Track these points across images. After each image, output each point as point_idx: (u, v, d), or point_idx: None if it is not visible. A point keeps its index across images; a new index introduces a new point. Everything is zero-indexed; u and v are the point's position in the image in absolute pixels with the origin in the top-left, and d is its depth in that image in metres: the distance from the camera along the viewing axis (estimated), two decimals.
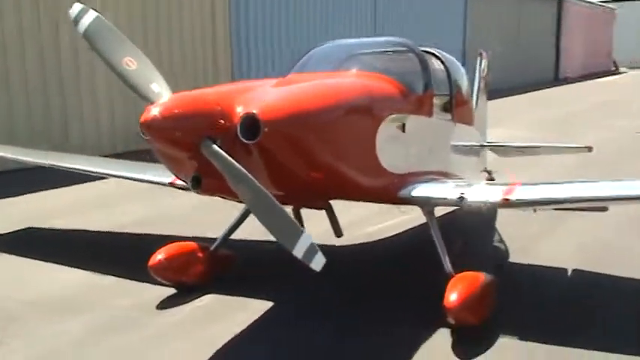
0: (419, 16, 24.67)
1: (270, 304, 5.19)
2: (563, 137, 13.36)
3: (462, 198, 4.71)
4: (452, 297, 4.29)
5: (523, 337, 4.44)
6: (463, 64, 7.00)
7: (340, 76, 4.97)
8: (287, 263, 6.13)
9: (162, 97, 3.91)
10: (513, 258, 6.18)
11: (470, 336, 4.43)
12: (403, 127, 4.99)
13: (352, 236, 6.52)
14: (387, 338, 4.59)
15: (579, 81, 37.92)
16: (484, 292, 4.47)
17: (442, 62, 6.04)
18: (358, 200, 5.12)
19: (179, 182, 5.78)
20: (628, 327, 4.68)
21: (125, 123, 12.85)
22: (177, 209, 8.40)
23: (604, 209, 5.20)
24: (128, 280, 5.84)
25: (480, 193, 4.78)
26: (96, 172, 6.72)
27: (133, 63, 4.10)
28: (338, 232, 5.24)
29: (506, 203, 4.61)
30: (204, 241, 5.77)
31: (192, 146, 3.81)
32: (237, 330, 4.73)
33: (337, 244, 5.90)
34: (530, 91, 29.06)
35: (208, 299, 5.36)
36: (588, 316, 4.86)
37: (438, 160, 5.74)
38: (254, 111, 3.87)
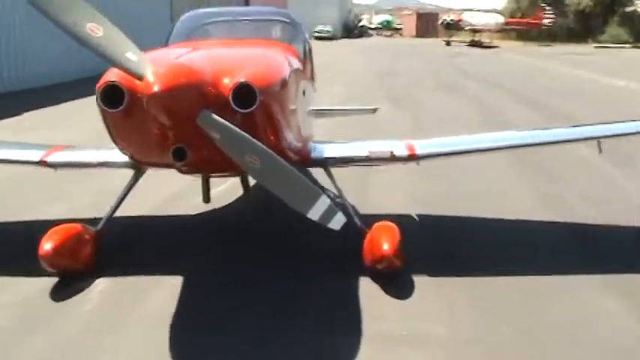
0: None
1: (179, 277, 5.01)
2: None
3: (368, 155, 5.16)
4: (385, 246, 4.71)
5: (432, 274, 5.09)
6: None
7: (265, 45, 4.98)
8: (152, 234, 6.06)
9: (144, 66, 3.53)
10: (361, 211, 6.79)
11: (390, 279, 4.93)
12: (304, 92, 5.22)
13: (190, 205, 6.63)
14: (319, 289, 4.86)
15: None
16: (400, 238, 4.98)
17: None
18: None
19: (50, 159, 5.25)
20: (487, 253, 5.64)
21: None
22: None
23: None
24: None
25: (384, 149, 5.26)
26: None
27: (99, 29, 3.59)
28: (207, 199, 5.28)
29: (413, 157, 5.20)
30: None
31: (188, 118, 3.55)
32: (171, 306, 4.53)
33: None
34: None
35: (106, 283, 4.96)
36: (459, 248, 5.73)
37: (310, 123, 6.06)
38: (244, 80, 3.78)
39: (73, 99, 15.07)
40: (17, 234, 6.10)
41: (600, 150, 5.67)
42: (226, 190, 7.05)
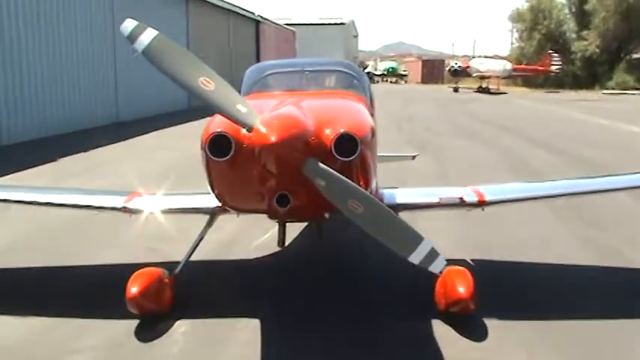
0: None
1: (255, 321, 5.15)
2: None
3: (439, 202, 5.35)
4: (461, 289, 4.87)
5: (500, 317, 5.21)
6: None
7: (344, 96, 5.26)
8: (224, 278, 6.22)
9: (254, 117, 3.78)
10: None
11: (462, 321, 5.06)
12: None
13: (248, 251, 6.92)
14: (395, 333, 4.98)
15: None
16: (474, 282, 5.11)
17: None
18: None
19: (131, 205, 5.44)
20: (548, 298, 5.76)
21: None
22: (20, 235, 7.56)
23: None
24: (60, 319, 5.22)
25: (454, 196, 5.47)
26: (37, 202, 5.76)
27: (210, 83, 3.86)
28: (283, 243, 5.51)
29: (482, 203, 5.40)
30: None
31: (295, 166, 3.78)
32: (254, 349, 4.68)
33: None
34: None
35: (187, 324, 5.12)
36: (519, 294, 5.86)
37: None
38: (345, 130, 4.01)
39: None
40: (84, 278, 6.29)
41: None
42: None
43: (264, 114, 3.92)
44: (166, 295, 5.15)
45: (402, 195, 5.50)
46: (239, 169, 4.10)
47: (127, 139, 17.86)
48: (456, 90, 50.05)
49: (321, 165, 3.80)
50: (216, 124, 4.17)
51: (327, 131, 4.08)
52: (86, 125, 19.62)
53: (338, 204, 3.83)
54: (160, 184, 7.39)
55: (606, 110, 31.12)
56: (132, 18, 4.06)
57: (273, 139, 3.62)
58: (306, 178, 3.82)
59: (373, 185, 4.68)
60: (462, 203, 5.45)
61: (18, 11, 16.48)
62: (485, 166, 13.50)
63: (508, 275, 6.39)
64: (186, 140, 16.88)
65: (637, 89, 50.02)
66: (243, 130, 3.92)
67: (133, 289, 4.86)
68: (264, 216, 4.99)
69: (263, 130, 3.68)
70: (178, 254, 6.64)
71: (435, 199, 5.47)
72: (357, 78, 6.14)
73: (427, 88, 59.81)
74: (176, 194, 5.89)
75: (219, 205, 5.12)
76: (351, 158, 4.03)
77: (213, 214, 5.42)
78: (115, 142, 17.11)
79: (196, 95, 3.89)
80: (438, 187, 5.90)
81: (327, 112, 4.49)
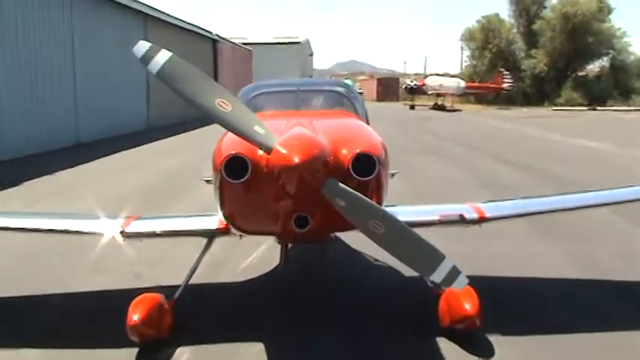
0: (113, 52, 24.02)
1: (259, 345, 5.04)
2: None
3: (440, 219, 5.37)
4: (467, 306, 4.86)
5: (503, 333, 5.23)
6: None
7: (346, 115, 5.28)
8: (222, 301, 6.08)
9: (272, 139, 3.73)
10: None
11: (466, 338, 5.04)
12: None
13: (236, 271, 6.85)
14: (399, 349, 4.97)
15: None
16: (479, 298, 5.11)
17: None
18: None
19: (129, 230, 5.30)
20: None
21: None
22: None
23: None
24: (53, 351, 5.03)
25: (454, 213, 5.49)
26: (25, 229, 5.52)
27: (227, 105, 3.78)
28: (285, 262, 5.48)
29: (482, 219, 5.43)
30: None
31: (316, 186, 3.72)
32: None
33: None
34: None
35: (189, 352, 4.98)
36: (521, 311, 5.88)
37: None
38: (362, 150, 4.01)
39: None
40: (71, 306, 6.07)
41: None
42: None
43: (280, 135, 3.87)
44: (166, 321, 5.01)
45: (402, 213, 5.47)
46: (255, 191, 4.03)
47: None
48: (412, 107, 50.79)
49: (341, 185, 3.77)
50: (230, 145, 4.10)
51: (344, 151, 4.07)
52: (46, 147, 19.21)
53: (358, 224, 3.80)
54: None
55: (560, 126, 31.95)
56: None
57: (296, 160, 3.58)
58: (325, 199, 3.78)
59: (384, 204, 4.67)
60: (462, 220, 5.48)
61: None
62: (455, 182, 13.64)
63: (500, 290, 6.41)
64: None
65: (584, 106, 51.61)
66: (259, 151, 3.87)
67: (135, 317, 4.71)
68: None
69: (284, 151, 3.63)
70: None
71: (435, 217, 5.48)
72: (352, 97, 6.15)
73: (383, 105, 60.24)
74: (172, 217, 5.76)
75: (221, 227, 5.04)
76: (369, 177, 4.02)
77: (212, 236, 5.32)
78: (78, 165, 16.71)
79: (214, 117, 3.82)
80: (437, 205, 5.92)
81: (340, 132, 4.49)
